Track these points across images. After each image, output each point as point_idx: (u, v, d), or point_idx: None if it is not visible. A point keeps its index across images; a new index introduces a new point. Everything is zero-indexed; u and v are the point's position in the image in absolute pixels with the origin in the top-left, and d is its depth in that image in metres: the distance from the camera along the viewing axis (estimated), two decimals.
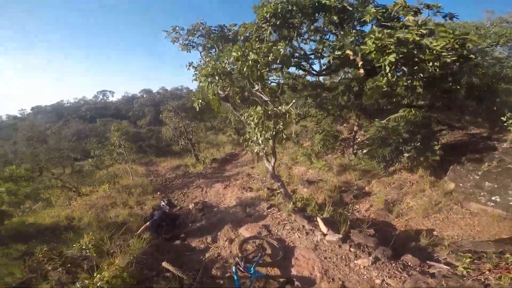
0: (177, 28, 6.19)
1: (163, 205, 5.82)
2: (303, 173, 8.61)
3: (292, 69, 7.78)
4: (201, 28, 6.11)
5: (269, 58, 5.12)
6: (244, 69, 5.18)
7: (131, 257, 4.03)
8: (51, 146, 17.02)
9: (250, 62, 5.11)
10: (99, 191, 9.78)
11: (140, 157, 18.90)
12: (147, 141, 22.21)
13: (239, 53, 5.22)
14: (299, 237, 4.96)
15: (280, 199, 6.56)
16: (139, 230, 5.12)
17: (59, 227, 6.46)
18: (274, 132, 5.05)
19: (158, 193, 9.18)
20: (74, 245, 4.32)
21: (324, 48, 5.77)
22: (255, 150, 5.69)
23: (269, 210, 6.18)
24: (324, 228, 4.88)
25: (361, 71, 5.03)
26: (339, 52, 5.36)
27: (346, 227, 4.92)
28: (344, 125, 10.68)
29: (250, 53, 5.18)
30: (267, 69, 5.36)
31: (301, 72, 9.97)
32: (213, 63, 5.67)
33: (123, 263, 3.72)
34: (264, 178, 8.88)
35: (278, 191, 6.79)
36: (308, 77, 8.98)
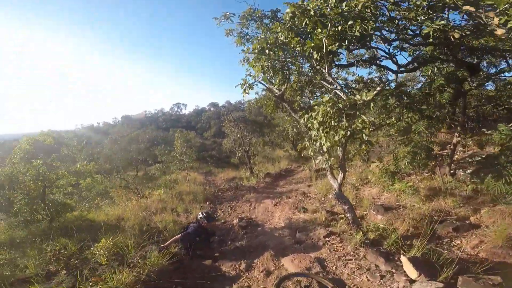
0: (228, 14, 5.64)
1: (200, 217, 5.10)
2: (375, 196, 6.87)
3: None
4: (253, 14, 5.43)
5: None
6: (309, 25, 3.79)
7: (142, 274, 3.38)
8: (126, 149, 19.17)
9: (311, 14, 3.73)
10: (154, 195, 10.07)
11: (201, 167, 19.85)
12: (210, 152, 23.50)
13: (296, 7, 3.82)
14: (368, 280, 3.49)
15: (343, 225, 5.14)
16: (168, 242, 4.48)
17: (107, 226, 6.53)
18: (347, 133, 3.61)
19: (207, 202, 8.82)
20: (92, 248, 3.95)
21: (418, 17, 3.93)
22: (317, 162, 4.44)
23: (326, 239, 4.76)
24: (412, 272, 3.27)
25: (501, 31, 3.12)
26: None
27: (450, 271, 3.18)
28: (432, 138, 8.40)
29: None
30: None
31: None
32: (264, 36, 4.78)
33: (125, 280, 3.06)
34: (323, 199, 7.49)
35: (343, 216, 5.39)
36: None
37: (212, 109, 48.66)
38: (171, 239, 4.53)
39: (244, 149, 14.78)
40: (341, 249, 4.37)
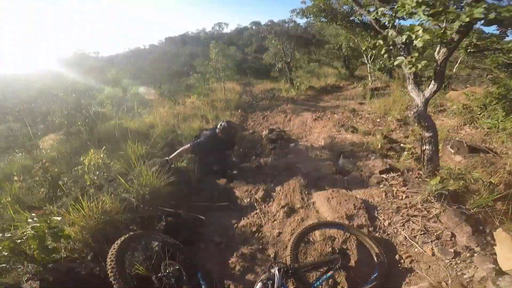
0: None
1: (218, 127, 4.16)
2: (452, 130, 5.19)
3: None
4: None
5: None
6: None
7: (130, 197, 2.74)
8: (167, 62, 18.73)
9: None
10: (187, 102, 9.65)
11: (240, 78, 18.94)
12: (250, 64, 22.13)
13: None
14: (434, 255, 2.27)
15: (408, 160, 3.81)
16: (174, 154, 3.76)
17: (137, 133, 6.26)
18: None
19: (239, 110, 8.13)
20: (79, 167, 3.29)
21: None
22: (396, 62, 2.83)
23: (383, 176, 3.41)
24: (508, 258, 1.97)
25: None
26: None
27: None
28: None
29: None
30: None
31: None
32: None
33: (102, 208, 2.46)
34: (378, 120, 6.07)
35: (408, 146, 4.08)
36: None
37: (254, 27, 44.79)
38: (178, 150, 3.84)
39: (285, 60, 13.18)
40: (403, 196, 3.01)
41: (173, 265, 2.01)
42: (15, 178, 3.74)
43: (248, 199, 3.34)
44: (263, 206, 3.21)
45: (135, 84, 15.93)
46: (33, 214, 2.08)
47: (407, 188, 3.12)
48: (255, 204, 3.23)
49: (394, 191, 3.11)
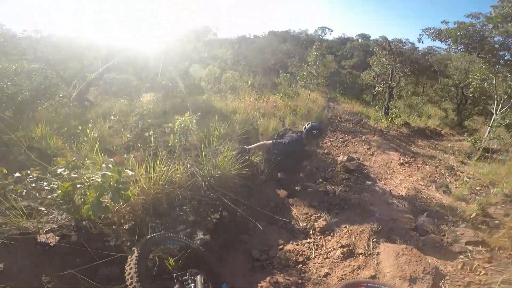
0: None
1: (305, 128, 3.79)
2: None
3: None
4: None
5: None
6: None
7: (191, 175, 2.70)
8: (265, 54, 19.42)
9: None
10: (271, 99, 9.77)
11: (328, 91, 18.14)
12: (343, 79, 20.96)
13: None
14: None
15: (505, 240, 3.03)
16: (253, 145, 3.61)
17: (221, 114, 6.63)
18: None
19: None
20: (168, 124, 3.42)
21: None
22: None
23: (467, 247, 2.82)
24: None
25: None
26: None
27: None
28: None
29: None
30: None
31: None
32: None
33: (155, 180, 2.32)
34: (478, 189, 4.92)
35: (504, 224, 3.22)
36: None
37: (360, 40, 41.51)
38: (259, 143, 3.70)
39: (389, 84, 11.69)
40: (482, 271, 2.45)
41: (199, 273, 1.83)
42: (112, 117, 4.09)
43: (305, 224, 3.09)
44: (319, 237, 2.92)
45: (232, 68, 17.11)
46: (111, 160, 1.88)
47: (491, 266, 2.51)
48: (311, 232, 2.97)
49: (474, 265, 2.54)
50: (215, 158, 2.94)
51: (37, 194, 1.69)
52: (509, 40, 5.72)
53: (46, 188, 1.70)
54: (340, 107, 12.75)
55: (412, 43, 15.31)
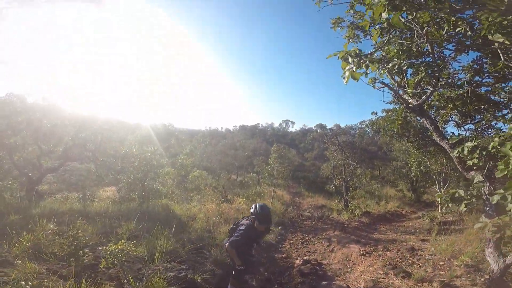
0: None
1: (252, 211, 3.37)
2: None
3: None
4: None
5: None
6: None
7: None
8: (227, 154, 20.81)
9: None
10: (235, 202, 9.90)
11: (292, 186, 18.83)
12: (306, 173, 22.33)
13: None
14: None
15: None
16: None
17: (178, 221, 6.43)
18: None
19: (279, 227, 7.74)
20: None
21: None
22: (477, 226, 2.38)
23: None
24: None
25: None
26: None
27: None
28: None
29: None
30: None
31: None
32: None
33: None
34: (441, 263, 4.93)
35: None
36: None
37: (318, 130, 47.60)
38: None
39: (344, 178, 12.53)
40: None
41: None
42: (46, 223, 3.73)
43: None
44: None
45: (200, 167, 16.92)
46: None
47: None
48: None
49: None
50: (147, 283, 2.76)
51: None
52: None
53: None
54: (305, 201, 13.12)
55: (362, 127, 16.88)
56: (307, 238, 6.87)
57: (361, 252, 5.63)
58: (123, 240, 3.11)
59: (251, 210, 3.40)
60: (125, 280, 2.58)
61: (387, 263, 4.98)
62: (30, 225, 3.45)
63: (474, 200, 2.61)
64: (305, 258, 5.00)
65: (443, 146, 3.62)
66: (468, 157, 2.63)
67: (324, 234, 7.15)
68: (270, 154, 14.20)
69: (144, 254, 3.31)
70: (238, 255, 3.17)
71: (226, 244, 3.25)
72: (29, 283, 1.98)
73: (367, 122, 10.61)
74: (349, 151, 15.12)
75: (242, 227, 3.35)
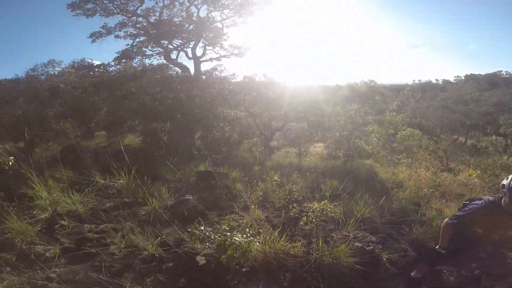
0: None
1: (507, 184, 2.17)
2: None
3: None
4: None
5: None
6: None
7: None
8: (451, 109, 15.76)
9: None
10: (461, 175, 7.49)
11: None
12: None
13: None
14: None
15: None
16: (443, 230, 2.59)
17: (383, 186, 5.96)
18: None
19: None
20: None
21: None
22: None
23: None
24: None
25: None
26: None
27: None
28: None
29: None
30: None
31: None
32: None
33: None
34: None
35: None
36: None
37: None
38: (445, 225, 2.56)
39: None
40: None
41: None
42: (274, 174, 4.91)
43: None
44: None
45: (411, 124, 14.62)
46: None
47: None
48: None
49: None
50: (333, 248, 2.78)
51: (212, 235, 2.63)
52: None
53: (213, 234, 2.65)
54: None
55: None
56: None
57: None
58: (326, 201, 3.33)
59: (503, 182, 2.27)
60: (315, 240, 2.92)
61: None
62: (264, 176, 4.73)
63: None
64: None
65: None
66: None
67: None
68: None
69: (339, 216, 3.42)
70: (451, 236, 2.50)
71: (446, 219, 2.62)
72: (251, 230, 2.64)
73: None
74: None
75: (478, 202, 2.47)
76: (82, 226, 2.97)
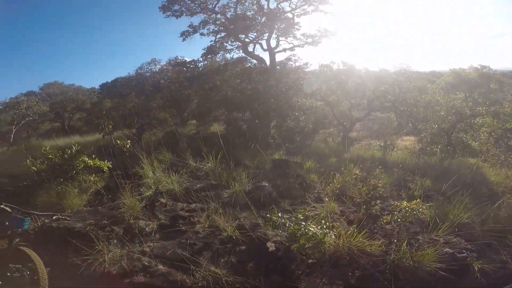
0: None
1: None
2: None
3: None
4: None
5: None
6: None
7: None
8: None
9: None
10: None
11: None
12: None
13: None
14: None
15: None
16: None
17: (493, 190, 4.77)
18: None
19: None
20: None
21: None
22: None
23: None
24: None
25: None
26: None
27: None
28: None
29: None
30: None
31: None
32: None
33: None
34: None
35: None
36: None
37: None
38: None
39: None
40: None
41: None
42: (353, 168, 4.50)
43: None
44: None
45: None
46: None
47: None
48: None
49: None
50: (417, 251, 2.48)
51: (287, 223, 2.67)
52: None
53: (288, 222, 2.66)
54: None
55: None
56: None
57: None
58: (418, 200, 3.00)
59: None
60: (395, 240, 2.62)
61: None
62: (342, 168, 4.51)
63: None
64: None
65: None
66: None
67: None
68: None
69: (429, 219, 3.03)
70: None
71: None
72: (326, 223, 2.57)
73: None
74: None
75: None
76: (176, 204, 3.44)
